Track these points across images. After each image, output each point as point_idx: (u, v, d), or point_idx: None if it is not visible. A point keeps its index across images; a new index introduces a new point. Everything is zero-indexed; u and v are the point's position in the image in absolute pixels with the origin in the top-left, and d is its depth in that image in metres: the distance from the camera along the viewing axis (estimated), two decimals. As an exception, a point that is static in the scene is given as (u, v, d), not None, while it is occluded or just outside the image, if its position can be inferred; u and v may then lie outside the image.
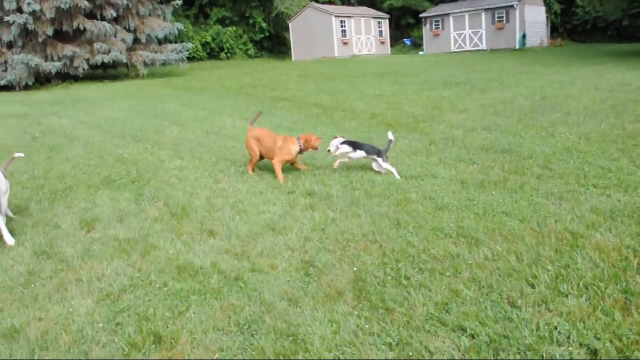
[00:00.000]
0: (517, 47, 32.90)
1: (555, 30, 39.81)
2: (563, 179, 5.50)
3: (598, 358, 2.66)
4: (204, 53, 42.28)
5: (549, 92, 11.88)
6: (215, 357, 2.87)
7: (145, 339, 3.06)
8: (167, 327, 3.17)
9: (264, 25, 45.30)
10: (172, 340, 3.04)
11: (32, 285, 3.86)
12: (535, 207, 4.76)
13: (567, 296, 3.20)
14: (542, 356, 2.68)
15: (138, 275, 3.91)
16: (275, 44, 47.50)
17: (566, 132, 7.64)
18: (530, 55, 25.85)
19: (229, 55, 43.93)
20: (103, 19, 23.76)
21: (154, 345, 3.01)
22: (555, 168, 5.90)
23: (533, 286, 3.35)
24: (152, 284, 3.75)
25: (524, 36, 33.30)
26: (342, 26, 38.05)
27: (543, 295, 3.23)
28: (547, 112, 9.31)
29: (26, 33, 22.53)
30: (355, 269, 3.79)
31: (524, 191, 5.20)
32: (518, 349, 2.74)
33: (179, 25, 28.21)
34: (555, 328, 2.88)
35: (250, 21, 45.04)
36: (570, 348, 2.72)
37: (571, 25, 39.94)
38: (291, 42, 40.77)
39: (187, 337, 3.06)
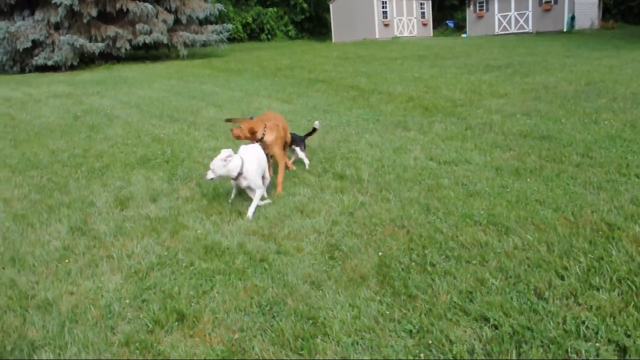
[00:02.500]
0: (565, 30, 31.73)
1: (607, 11, 38.09)
2: (603, 168, 5.30)
3: (627, 356, 2.56)
4: (245, 34, 42.49)
5: (596, 77, 11.43)
6: (235, 337, 2.90)
7: (169, 316, 3.12)
8: (191, 306, 3.23)
9: (305, 6, 45.15)
10: (195, 319, 3.09)
11: (66, 261, 3.99)
12: (571, 196, 4.60)
13: (598, 290, 3.10)
14: (567, 351, 2.60)
15: (166, 253, 3.98)
16: (315, 25, 47.29)
17: (610, 119, 7.34)
18: (579, 38, 24.90)
19: (269, 36, 44.02)
20: (145, 0, 24.07)
21: (176, 323, 3.07)
22: (595, 156, 5.69)
23: (563, 278, 3.25)
24: (179, 263, 3.82)
25: (572, 18, 32.04)
26: (383, 7, 37.45)
27: (572, 287, 3.13)
28: (591, 98, 8.97)
29: (72, 14, 23.01)
30: (380, 254, 3.76)
31: (560, 179, 5.03)
32: (542, 342, 2.67)
33: (220, 6, 28.30)
34: (583, 322, 2.79)
35: (292, 2, 44.94)
36: (597, 344, 2.63)
37: (626, 6, 38.07)
38: (332, 23, 40.42)
39: (209, 316, 3.11)
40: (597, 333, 2.72)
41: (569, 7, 32.07)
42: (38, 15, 23.12)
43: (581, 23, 32.65)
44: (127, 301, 3.35)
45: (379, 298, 3.19)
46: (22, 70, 23.40)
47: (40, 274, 3.82)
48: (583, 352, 2.58)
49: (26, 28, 22.73)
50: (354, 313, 3.04)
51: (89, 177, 6.17)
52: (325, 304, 3.15)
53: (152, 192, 5.48)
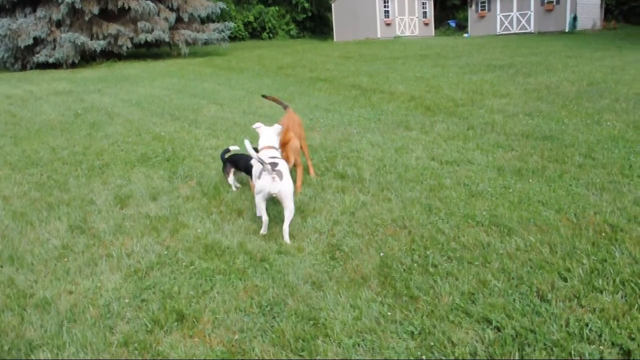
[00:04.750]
0: (567, 30, 31.69)
1: (609, 12, 37.98)
2: (606, 169, 5.26)
3: (631, 359, 2.53)
4: (246, 33, 42.50)
5: (598, 77, 11.39)
6: (235, 338, 2.87)
7: (168, 316, 3.09)
8: (190, 306, 3.20)
9: (306, 5, 45.12)
10: (194, 319, 3.06)
11: (65, 259, 3.96)
12: (573, 197, 4.57)
13: (601, 292, 3.06)
14: (570, 354, 2.57)
15: (166, 253, 3.95)
16: (317, 24, 47.28)
17: (613, 119, 7.31)
18: (581, 39, 24.86)
19: (271, 35, 44.01)
20: (147, -2, 24.08)
21: (176, 323, 3.04)
22: (598, 157, 5.66)
23: (565, 280, 3.22)
24: (179, 262, 3.79)
25: (574, 18, 31.99)
26: (385, 6, 37.43)
27: (576, 289, 3.10)
28: (594, 99, 8.93)
29: (74, 12, 23.02)
30: (382, 254, 3.73)
31: (563, 180, 5.00)
32: (545, 344, 2.63)
33: (222, 5, 28.34)
34: (587, 325, 2.75)
35: (293, 1, 44.90)
36: (601, 347, 2.60)
37: (628, 7, 37.96)
38: (333, 22, 40.37)
39: (209, 317, 3.08)
40: (600, 336, 2.68)
41: (571, 8, 32.03)
42: (40, 12, 23.13)
43: (583, 23, 32.61)
44: (127, 301, 3.32)
45: (380, 299, 3.16)
46: (23, 68, 23.41)
47: (38, 273, 3.79)
48: (587, 354, 2.55)
49: (28, 25, 22.74)
50: (355, 314, 3.01)
51: (89, 175, 6.15)
52: (326, 304, 3.12)
53: (152, 190, 5.45)
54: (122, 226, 4.54)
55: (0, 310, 3.30)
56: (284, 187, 4.02)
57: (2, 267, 3.90)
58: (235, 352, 2.77)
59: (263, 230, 4.18)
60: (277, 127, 4.75)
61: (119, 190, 5.51)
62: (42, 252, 4.11)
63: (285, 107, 5.80)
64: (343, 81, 13.34)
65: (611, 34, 27.84)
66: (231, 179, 5.36)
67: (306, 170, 5.77)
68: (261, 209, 4.18)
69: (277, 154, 4.48)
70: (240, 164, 5.26)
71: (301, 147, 5.56)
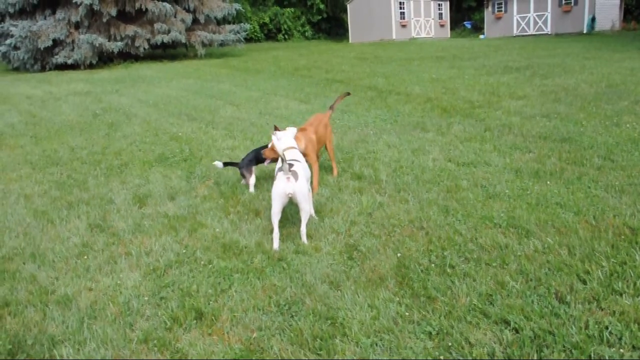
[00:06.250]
0: (584, 32, 31.33)
1: (629, 12, 37.41)
2: (626, 172, 5.21)
3: (651, 362, 2.51)
4: (262, 34, 42.67)
5: (617, 79, 11.25)
6: (253, 336, 2.90)
7: (187, 314, 3.13)
8: (209, 304, 3.23)
9: (322, 6, 45.20)
10: (213, 317, 3.09)
11: (85, 257, 4.03)
12: (592, 199, 4.53)
13: (621, 295, 3.04)
14: (590, 356, 2.55)
15: (184, 251, 4.00)
16: (333, 25, 47.32)
17: (633, 121, 7.22)
18: (599, 40, 24.56)
19: (286, 36, 44.15)
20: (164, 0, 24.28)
21: (195, 321, 3.07)
22: (617, 159, 5.60)
23: (584, 282, 3.20)
24: (197, 261, 3.83)
25: (593, 19, 31.61)
26: (401, 8, 37.31)
27: (595, 292, 3.08)
28: (613, 100, 8.83)
29: (92, 14, 23.28)
30: (399, 255, 3.73)
31: (581, 182, 4.96)
32: (564, 346, 2.62)
33: (238, 6, 28.47)
34: (606, 328, 2.74)
35: (309, 2, 45.00)
36: (621, 350, 2.58)
37: (648, 7, 37.42)
38: (349, 24, 40.36)
39: (227, 315, 3.11)
40: (620, 339, 2.66)
41: (589, 8, 31.63)
42: (59, 14, 23.43)
43: (602, 24, 32.18)
44: (146, 298, 3.37)
45: (397, 299, 3.17)
46: (42, 69, 23.71)
47: (59, 270, 3.86)
48: (607, 357, 2.54)
49: (47, 27, 23.03)
50: (372, 314, 3.02)
51: (107, 174, 6.23)
52: (344, 304, 3.14)
53: (170, 190, 5.51)
54: (141, 225, 4.60)
55: (24, 306, 3.37)
56: (299, 188, 3.99)
57: (24, 264, 3.97)
58: (253, 350, 2.79)
59: (275, 246, 3.98)
60: (291, 130, 4.73)
61: (138, 190, 5.58)
62: (63, 249, 4.18)
63: (330, 108, 5.94)
64: (359, 82, 13.34)
65: (631, 35, 27.45)
66: (252, 179, 5.39)
67: (331, 170, 5.80)
68: (275, 219, 4.00)
69: (298, 155, 4.45)
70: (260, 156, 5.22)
71: (326, 148, 5.69)
